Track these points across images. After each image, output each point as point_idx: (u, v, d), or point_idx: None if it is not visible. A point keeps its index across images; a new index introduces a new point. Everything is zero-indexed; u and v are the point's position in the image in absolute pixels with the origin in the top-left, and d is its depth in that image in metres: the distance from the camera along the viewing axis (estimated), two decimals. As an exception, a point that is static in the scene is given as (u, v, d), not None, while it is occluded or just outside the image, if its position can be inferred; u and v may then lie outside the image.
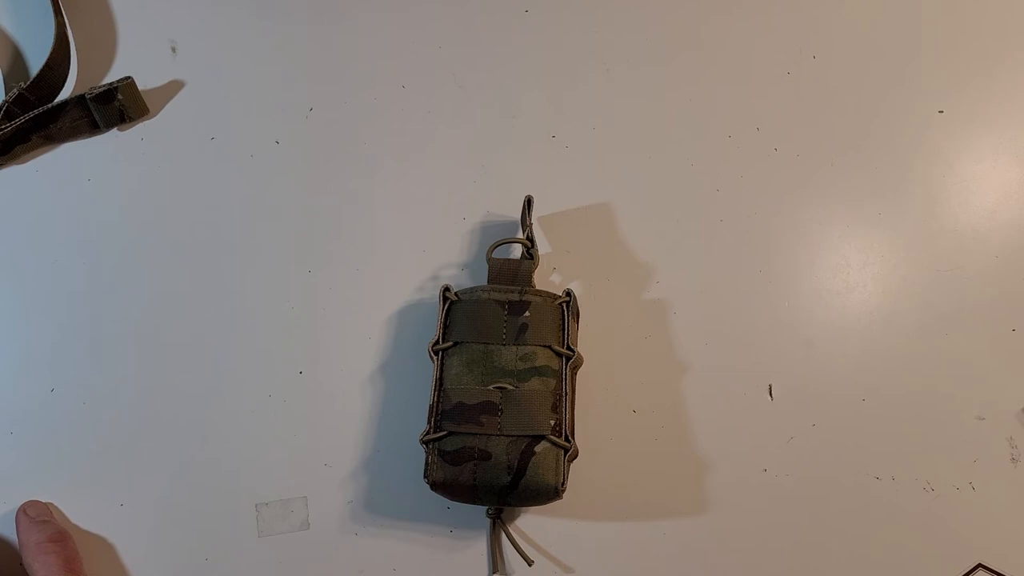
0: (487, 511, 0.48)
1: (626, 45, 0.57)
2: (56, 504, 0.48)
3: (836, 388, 0.51)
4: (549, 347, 0.47)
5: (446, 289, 0.48)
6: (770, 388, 0.51)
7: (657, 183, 0.54)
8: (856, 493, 0.49)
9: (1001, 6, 0.58)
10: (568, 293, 0.48)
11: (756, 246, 0.53)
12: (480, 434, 0.45)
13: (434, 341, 0.48)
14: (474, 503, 0.47)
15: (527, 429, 0.45)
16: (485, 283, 0.49)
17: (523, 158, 0.54)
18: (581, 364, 0.49)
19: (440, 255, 0.52)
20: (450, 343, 0.47)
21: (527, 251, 0.50)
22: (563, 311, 0.48)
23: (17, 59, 0.55)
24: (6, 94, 0.52)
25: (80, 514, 0.48)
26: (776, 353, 0.51)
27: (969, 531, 0.49)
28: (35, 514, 0.47)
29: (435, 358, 0.47)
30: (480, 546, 0.48)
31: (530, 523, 0.49)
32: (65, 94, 0.54)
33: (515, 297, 0.48)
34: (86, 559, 0.47)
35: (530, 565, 0.47)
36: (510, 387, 0.46)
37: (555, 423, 0.46)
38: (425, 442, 0.46)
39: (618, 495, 0.49)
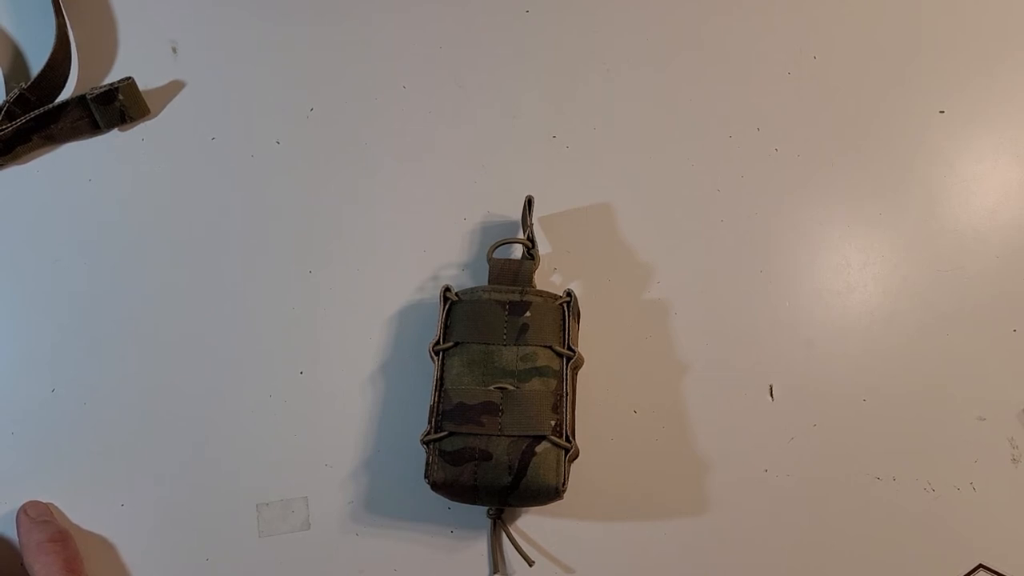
0: (488, 511, 0.48)
1: (626, 45, 0.57)
2: (56, 504, 0.48)
3: (837, 388, 0.51)
4: (550, 347, 0.47)
5: (447, 289, 0.48)
6: (771, 388, 0.51)
7: (657, 183, 0.54)
8: (857, 493, 0.49)
9: (1001, 6, 0.57)
10: (569, 293, 0.48)
11: (756, 246, 0.53)
12: (481, 434, 0.45)
13: (435, 341, 0.48)
14: (475, 503, 0.47)
15: (528, 429, 0.45)
16: (486, 283, 0.49)
17: (523, 158, 0.54)
18: (582, 364, 0.49)
19: (440, 255, 0.52)
20: (451, 343, 0.47)
21: (528, 251, 0.50)
22: (564, 311, 0.48)
23: (18, 59, 0.55)
24: (7, 94, 0.52)
25: (80, 514, 0.48)
26: (777, 353, 0.51)
27: (970, 531, 0.49)
28: (36, 514, 0.47)
29: (435, 358, 0.47)
30: (480, 546, 0.48)
31: (530, 523, 0.49)
32: (66, 94, 0.54)
33: (516, 297, 0.48)
34: (86, 559, 0.47)
35: (531, 565, 0.47)
36: (511, 387, 0.46)
37: (556, 423, 0.46)
38: (426, 442, 0.46)
39: (618, 495, 0.49)
